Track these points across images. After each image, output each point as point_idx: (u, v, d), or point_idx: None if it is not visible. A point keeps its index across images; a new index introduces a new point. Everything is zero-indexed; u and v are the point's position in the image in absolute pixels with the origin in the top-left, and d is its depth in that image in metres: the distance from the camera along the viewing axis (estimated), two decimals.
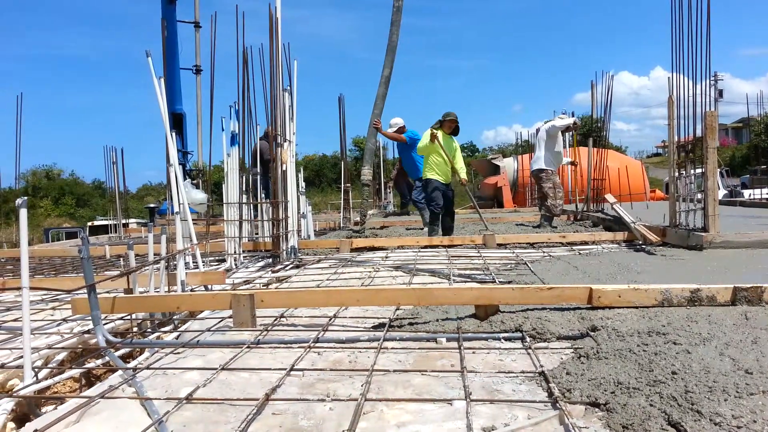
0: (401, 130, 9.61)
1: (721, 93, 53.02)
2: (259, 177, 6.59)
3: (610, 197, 7.94)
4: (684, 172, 5.87)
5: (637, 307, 2.72)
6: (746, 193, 18.61)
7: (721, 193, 19.51)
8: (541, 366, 2.16)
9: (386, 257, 5.96)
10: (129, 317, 3.36)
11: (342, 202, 11.32)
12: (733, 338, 2.18)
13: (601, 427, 1.65)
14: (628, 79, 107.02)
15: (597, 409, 1.76)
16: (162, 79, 4.19)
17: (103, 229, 13.90)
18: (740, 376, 1.77)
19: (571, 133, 9.89)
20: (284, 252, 5.74)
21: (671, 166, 5.97)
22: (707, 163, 5.07)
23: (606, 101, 9.19)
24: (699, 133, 5.44)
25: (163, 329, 3.33)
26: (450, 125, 7.27)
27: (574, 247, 6.12)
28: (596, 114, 10.44)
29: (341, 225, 10.80)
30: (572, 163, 10.77)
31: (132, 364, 2.61)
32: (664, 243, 5.73)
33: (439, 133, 7.16)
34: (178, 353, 2.60)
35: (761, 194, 15.01)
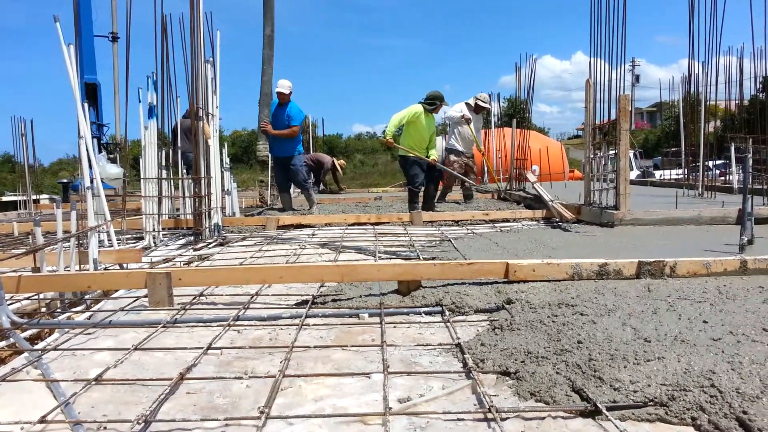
0: (285, 97, 7.77)
1: (638, 78, 55.74)
2: (180, 155, 6.36)
3: (530, 176, 8.22)
4: (599, 153, 6.14)
5: (549, 281, 2.85)
6: (657, 173, 19.74)
7: (634, 173, 20.63)
8: (458, 338, 2.22)
9: (313, 234, 5.93)
10: (37, 297, 3.18)
11: (269, 179, 11.11)
12: (636, 309, 2.32)
13: (510, 394, 1.72)
14: (551, 63, 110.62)
15: (508, 378, 1.83)
16: (71, 47, 3.92)
17: (13, 205, 13.04)
18: (639, 345, 1.89)
19: (483, 114, 9.82)
20: (207, 229, 5.59)
21: (587, 148, 6.23)
22: (620, 144, 5.32)
23: (529, 84, 9.46)
24: (615, 116, 5.69)
25: (74, 309, 3.18)
26: (438, 109, 7.55)
27: (496, 225, 6.30)
28: (521, 96, 10.73)
29: (269, 203, 10.62)
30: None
31: (40, 345, 2.48)
32: (579, 220, 6.01)
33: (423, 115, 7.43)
34: (90, 334, 2.49)
35: (670, 175, 15.98)
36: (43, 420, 1.57)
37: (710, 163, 10.92)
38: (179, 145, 6.53)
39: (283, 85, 7.79)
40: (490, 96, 9.37)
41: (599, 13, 5.88)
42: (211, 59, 5.88)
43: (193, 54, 5.30)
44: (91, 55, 14.51)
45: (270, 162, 9.55)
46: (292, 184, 8.65)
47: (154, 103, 5.47)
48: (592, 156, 6.20)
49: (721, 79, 8.82)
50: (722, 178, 11.29)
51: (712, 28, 7.70)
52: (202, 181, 5.45)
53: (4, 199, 17.33)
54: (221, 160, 6.56)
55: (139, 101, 5.34)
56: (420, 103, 7.53)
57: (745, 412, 1.43)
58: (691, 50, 7.82)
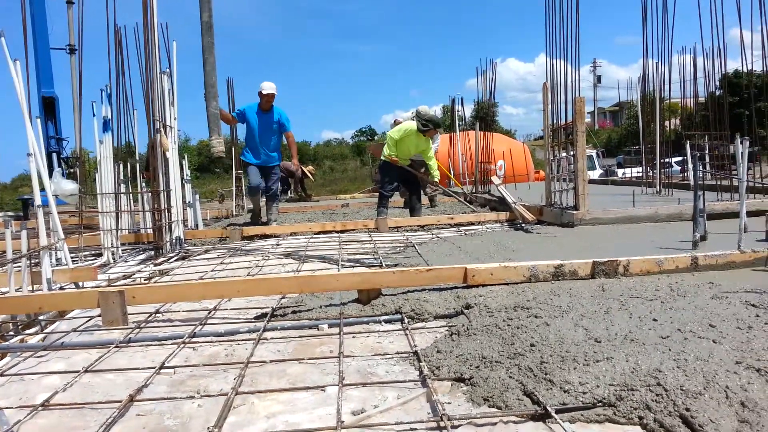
0: (269, 97, 7.41)
1: (599, 79, 56.95)
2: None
3: (495, 179, 8.30)
4: (558, 155, 6.24)
5: (507, 284, 2.88)
6: (620, 172, 20.15)
7: (597, 173, 21.05)
8: (415, 346, 2.22)
9: (277, 245, 5.88)
10: None
11: (234, 189, 11.01)
12: (589, 309, 2.35)
13: (464, 401, 1.73)
14: (515, 66, 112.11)
15: (462, 384, 1.84)
16: (17, 62, 3.82)
17: None
18: (590, 345, 1.91)
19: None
20: (168, 243, 5.49)
21: (546, 149, 6.32)
22: (577, 146, 5.41)
23: (491, 87, 9.57)
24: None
25: (27, 332, 3.09)
26: (431, 133, 7.48)
27: (461, 228, 6.34)
28: (484, 99, 10.85)
29: (233, 213, 10.51)
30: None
31: None
32: (541, 221, 6.09)
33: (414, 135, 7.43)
34: (41, 356, 2.42)
35: (632, 173, 16.33)
36: None
37: (672, 161, 11.21)
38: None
39: (272, 88, 7.36)
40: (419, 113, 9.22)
41: (554, 14, 5.99)
42: (167, 70, 5.79)
43: (149, 65, 5.22)
44: (48, 68, 14.19)
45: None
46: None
47: (109, 116, 5.36)
48: (551, 158, 6.30)
49: (677, 78, 9.07)
50: (681, 175, 11.58)
51: (664, 28, 7.92)
52: (162, 194, 5.35)
53: None
54: (182, 172, 6.46)
55: (93, 115, 5.22)
56: (418, 121, 7.50)
57: (687, 409, 1.46)
58: (645, 50, 8.03)
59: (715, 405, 1.47)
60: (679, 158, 12.51)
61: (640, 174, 10.39)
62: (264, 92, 7.38)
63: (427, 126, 7.31)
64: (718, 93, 9.19)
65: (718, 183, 6.97)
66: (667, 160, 9.44)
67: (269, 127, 7.51)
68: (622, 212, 5.58)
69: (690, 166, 9.40)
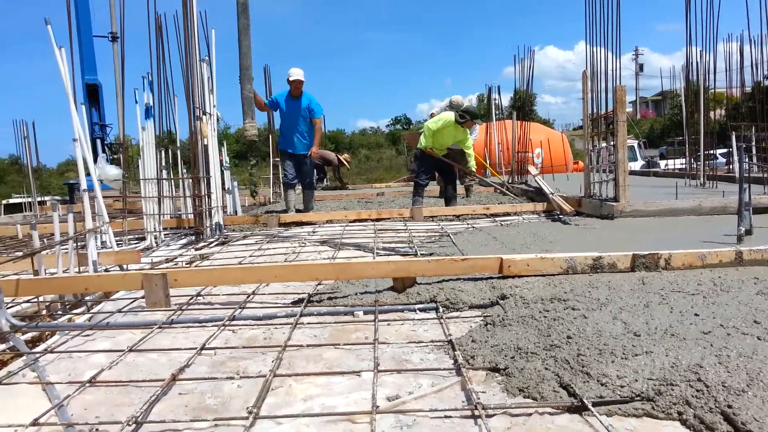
0: (300, 88, 7.39)
1: (642, 67, 55.37)
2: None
3: (532, 169, 8.20)
4: (597, 145, 6.12)
5: (544, 275, 2.85)
6: (662, 163, 19.62)
7: (639, 164, 20.53)
8: (450, 335, 2.23)
9: (314, 232, 5.95)
10: (36, 300, 3.21)
11: (271, 176, 11.14)
12: (628, 303, 2.32)
13: (499, 391, 1.73)
14: (554, 53, 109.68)
15: (497, 374, 1.84)
16: (63, 49, 3.93)
17: (19, 208, 13.13)
18: (629, 339, 1.89)
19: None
20: (208, 229, 5.61)
21: (586, 139, 6.21)
22: (617, 136, 5.30)
23: (529, 76, 9.42)
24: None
25: (74, 311, 3.21)
26: (468, 124, 7.44)
27: (496, 219, 6.30)
28: (521, 88, 10.70)
29: (271, 200, 10.65)
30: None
31: (39, 348, 2.51)
32: (579, 213, 6.00)
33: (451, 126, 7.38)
34: (87, 335, 2.52)
35: (674, 165, 15.89)
36: (35, 423, 1.59)
37: (717, 152, 10.88)
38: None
39: (299, 74, 7.28)
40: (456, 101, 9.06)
41: (594, 1, 5.85)
42: (206, 58, 5.88)
43: (188, 53, 5.31)
44: (91, 56, 14.54)
45: (277, 157, 8.82)
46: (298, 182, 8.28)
47: (151, 103, 5.48)
48: (591, 148, 6.18)
49: (722, 67, 8.78)
50: (727, 167, 11.23)
51: (709, 15, 7.64)
52: (202, 181, 5.46)
53: (11, 201, 17.45)
54: (221, 158, 6.58)
55: (136, 102, 5.35)
56: (455, 111, 7.48)
57: (729, 406, 1.43)
58: (689, 37, 7.77)
59: (759, 403, 1.43)
60: (724, 150, 12.14)
61: (684, 166, 10.11)
62: (291, 78, 7.36)
63: (465, 117, 7.26)
64: (766, 82, 8.86)
65: (765, 175, 6.74)
66: (711, 151, 9.16)
67: (299, 114, 7.45)
68: (663, 204, 5.45)
69: (736, 157, 9.11)
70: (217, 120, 6.24)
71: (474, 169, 7.91)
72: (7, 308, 2.87)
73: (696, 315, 2.10)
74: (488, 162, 13.13)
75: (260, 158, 15.05)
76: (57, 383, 1.91)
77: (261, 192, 10.77)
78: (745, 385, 1.51)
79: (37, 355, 2.23)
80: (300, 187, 8.59)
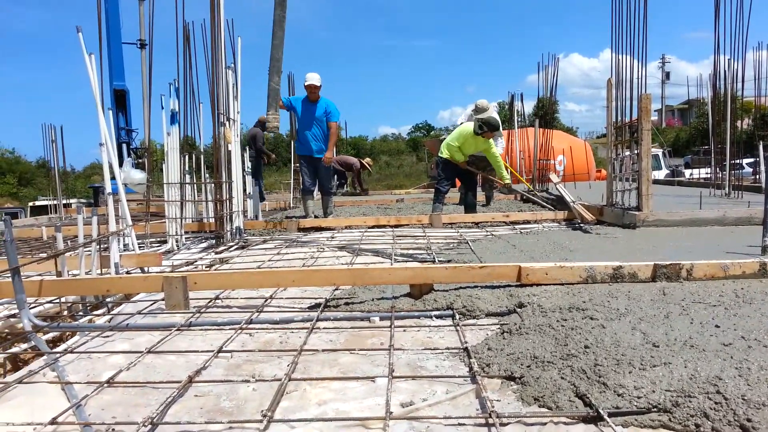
0: (316, 92, 7.37)
1: (668, 75, 54.61)
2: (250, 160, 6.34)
3: (553, 177, 8.13)
4: (621, 153, 6.05)
5: (563, 284, 2.82)
6: (687, 172, 19.32)
7: (663, 173, 20.23)
8: (466, 342, 2.22)
9: (332, 237, 5.97)
10: (59, 300, 3.27)
11: (292, 181, 11.22)
12: (648, 313, 2.29)
13: (514, 399, 1.72)
14: (578, 61, 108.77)
15: (512, 383, 1.82)
16: (92, 56, 4.03)
17: (45, 210, 13.42)
18: (647, 350, 1.86)
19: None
20: (228, 233, 5.67)
21: (609, 147, 6.15)
22: (642, 144, 5.24)
23: (553, 83, 9.37)
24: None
25: (95, 312, 3.27)
26: (486, 135, 7.35)
27: (516, 226, 6.26)
28: (545, 95, 10.63)
29: (291, 205, 10.72)
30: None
31: (61, 347, 2.56)
32: (601, 221, 5.93)
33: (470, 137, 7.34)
34: (107, 336, 2.56)
35: (699, 174, 15.62)
36: (54, 421, 1.62)
37: (744, 162, 10.66)
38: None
39: (314, 78, 7.20)
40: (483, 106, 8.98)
41: (621, 8, 5.81)
42: (232, 65, 5.96)
43: (215, 60, 5.39)
44: (120, 62, 14.83)
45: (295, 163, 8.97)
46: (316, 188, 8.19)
47: (177, 109, 5.57)
48: (614, 156, 6.12)
49: (751, 75, 8.62)
50: (753, 177, 11.02)
51: (738, 22, 7.52)
52: (224, 185, 5.53)
53: (38, 203, 17.83)
54: (243, 163, 6.64)
55: (162, 108, 5.44)
56: (475, 122, 7.42)
57: (749, 420, 1.40)
58: (717, 45, 7.65)
59: None
60: (751, 159, 11.90)
61: (709, 175, 9.93)
62: (306, 83, 7.32)
63: (483, 129, 7.15)
64: None
65: None
66: (737, 161, 8.99)
67: (314, 118, 7.41)
68: (687, 214, 5.36)
69: (762, 167, 8.94)
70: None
71: (508, 180, 7.84)
72: (30, 308, 2.93)
73: (717, 327, 2.06)
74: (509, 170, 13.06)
75: (281, 163, 15.17)
76: (76, 383, 1.94)
77: (281, 196, 10.82)
78: (766, 399, 1.48)
79: (58, 354, 2.27)
80: (319, 192, 8.56)
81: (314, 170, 7.66)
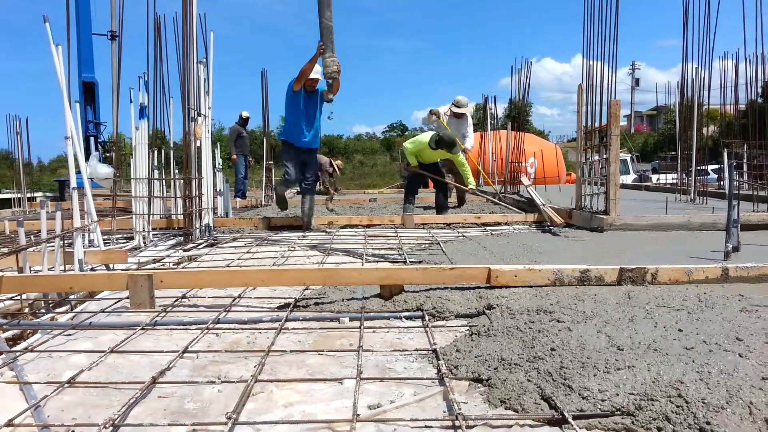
0: (314, 82, 6.46)
1: (638, 81, 55.66)
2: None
3: (524, 179, 8.22)
4: (590, 158, 6.14)
5: (531, 287, 2.85)
6: (654, 177, 19.72)
7: (631, 177, 20.62)
8: (435, 344, 2.22)
9: (304, 236, 5.93)
10: (20, 297, 3.18)
11: (264, 179, 11.12)
12: (613, 316, 2.32)
13: (481, 401, 1.73)
14: (551, 65, 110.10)
15: (480, 385, 1.83)
16: (59, 47, 3.92)
17: (8, 203, 13.05)
18: (612, 353, 1.89)
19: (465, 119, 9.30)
20: (197, 230, 5.59)
21: (578, 152, 6.23)
22: (610, 149, 5.33)
23: (525, 87, 9.46)
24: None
25: (58, 310, 3.18)
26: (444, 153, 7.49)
27: (487, 228, 6.31)
28: (517, 98, 10.74)
29: (262, 203, 10.62)
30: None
31: (20, 346, 2.48)
32: (570, 225, 6.01)
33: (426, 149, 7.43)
34: (69, 335, 2.50)
35: (666, 179, 15.97)
36: (10, 423, 1.57)
37: (709, 168, 10.93)
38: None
39: (317, 72, 6.36)
40: (466, 101, 9.12)
41: (592, 15, 5.89)
42: (204, 60, 5.88)
43: (186, 54, 5.31)
44: (89, 53, 14.50)
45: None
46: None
47: (146, 103, 5.47)
48: (584, 160, 6.21)
49: (717, 84, 8.83)
50: (718, 183, 11.31)
51: (705, 32, 7.71)
52: (193, 182, 5.45)
53: (0, 196, 17.32)
54: (213, 160, 6.56)
55: (131, 101, 5.34)
56: (433, 136, 7.43)
57: (708, 423, 1.43)
58: (685, 53, 7.83)
59: (738, 420, 1.44)
60: (716, 166, 12.22)
61: (675, 180, 10.17)
62: (310, 77, 6.38)
63: (438, 146, 7.26)
64: (759, 101, 8.94)
65: (755, 193, 6.79)
66: (703, 167, 9.22)
67: (315, 107, 6.67)
68: (653, 219, 5.47)
69: (726, 174, 9.18)
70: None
71: (474, 186, 8.00)
72: None
73: (680, 330, 2.10)
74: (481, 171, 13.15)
75: (255, 161, 14.99)
76: (35, 383, 1.88)
77: (254, 194, 10.72)
78: (725, 402, 1.51)
79: (17, 353, 2.21)
80: (297, 189, 8.13)
81: (302, 164, 6.73)
